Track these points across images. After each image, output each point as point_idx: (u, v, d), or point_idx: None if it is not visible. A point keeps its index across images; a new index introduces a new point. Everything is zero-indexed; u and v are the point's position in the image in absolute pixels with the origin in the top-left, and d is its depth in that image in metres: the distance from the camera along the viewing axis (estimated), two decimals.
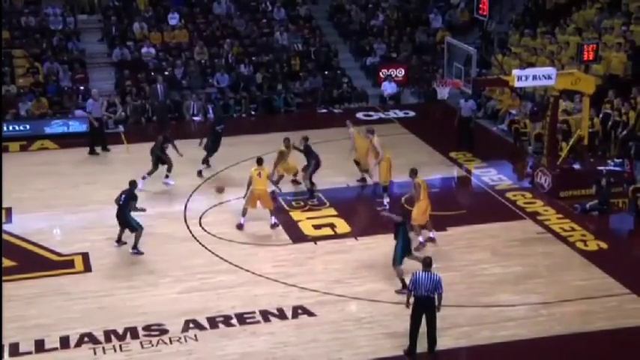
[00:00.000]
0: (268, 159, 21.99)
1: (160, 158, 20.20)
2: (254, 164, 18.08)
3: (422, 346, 13.11)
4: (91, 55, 29.22)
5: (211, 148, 21.17)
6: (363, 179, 20.58)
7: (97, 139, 23.12)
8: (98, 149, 23.05)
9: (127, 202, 16.46)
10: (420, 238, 16.73)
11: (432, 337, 13.03)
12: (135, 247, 16.53)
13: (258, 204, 17.75)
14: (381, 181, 19.11)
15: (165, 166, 20.21)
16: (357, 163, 20.61)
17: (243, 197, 17.95)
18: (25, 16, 29.47)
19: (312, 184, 19.69)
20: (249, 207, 17.77)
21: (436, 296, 12.86)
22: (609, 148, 21.71)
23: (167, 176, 20.27)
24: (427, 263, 12.96)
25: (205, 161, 21.14)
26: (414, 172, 16.97)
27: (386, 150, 19.26)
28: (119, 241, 16.91)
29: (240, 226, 17.75)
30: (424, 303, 12.84)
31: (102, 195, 19.58)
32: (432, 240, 17.00)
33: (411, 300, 13.06)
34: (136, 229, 16.51)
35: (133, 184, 16.84)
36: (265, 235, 17.62)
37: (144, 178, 19.66)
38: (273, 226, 17.81)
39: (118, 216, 16.65)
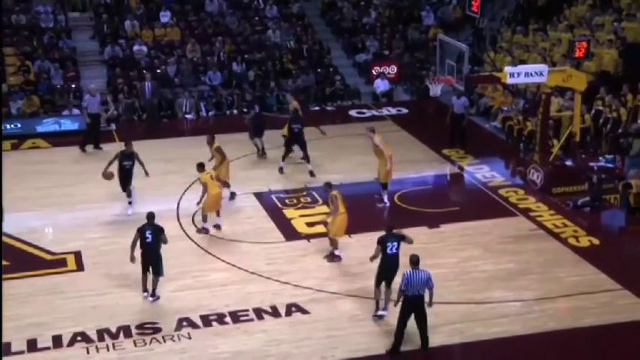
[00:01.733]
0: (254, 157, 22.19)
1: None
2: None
3: (415, 344, 13.14)
4: (82, 53, 29.13)
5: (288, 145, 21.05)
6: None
7: (91, 137, 23.02)
8: (89, 147, 22.92)
9: (157, 238, 14.51)
10: (337, 252, 16.15)
11: (425, 334, 13.04)
12: (154, 292, 14.79)
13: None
14: (381, 178, 19.03)
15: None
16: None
17: (197, 204, 17.45)
18: (15, 14, 29.32)
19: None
20: (210, 212, 17.43)
21: (427, 292, 12.87)
22: (601, 145, 21.77)
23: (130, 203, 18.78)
24: (415, 261, 12.91)
25: (284, 157, 21.04)
26: (328, 186, 16.34)
27: (387, 146, 19.11)
28: (151, 293, 14.79)
29: (205, 230, 17.37)
30: (415, 302, 12.84)
31: (94, 194, 19.57)
32: (337, 258, 16.23)
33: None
34: (161, 272, 14.71)
35: (152, 216, 14.79)
36: (258, 232, 17.61)
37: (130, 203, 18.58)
38: (218, 226, 17.55)
39: (146, 256, 14.50)
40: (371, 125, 20.23)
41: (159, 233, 14.54)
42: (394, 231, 14.23)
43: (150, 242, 14.42)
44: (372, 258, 14.09)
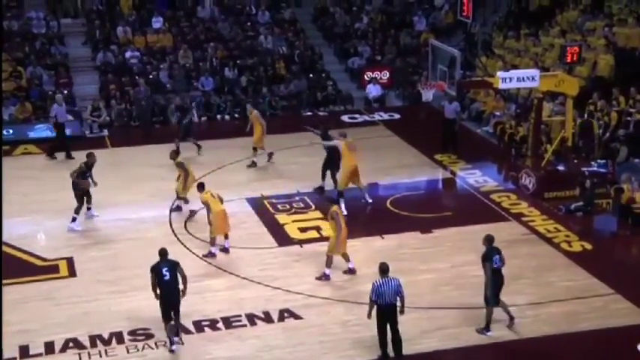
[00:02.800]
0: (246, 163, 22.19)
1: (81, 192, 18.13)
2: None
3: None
4: (74, 59, 29.11)
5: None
6: (254, 163, 21.68)
7: (60, 145, 22.76)
8: (59, 155, 22.63)
9: (174, 274, 13.20)
10: (326, 271, 15.58)
11: (398, 340, 12.94)
12: (178, 333, 13.64)
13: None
14: (339, 184, 18.96)
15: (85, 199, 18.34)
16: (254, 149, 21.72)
17: (209, 224, 16.81)
18: (7, 19, 29.26)
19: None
20: (219, 234, 16.69)
21: (398, 300, 12.83)
22: (593, 150, 21.80)
23: (89, 208, 18.54)
24: (384, 270, 12.84)
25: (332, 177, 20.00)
26: (329, 200, 15.98)
27: (354, 156, 18.96)
28: (178, 335, 13.56)
29: (212, 255, 16.58)
30: (388, 310, 12.78)
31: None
32: (352, 272, 15.79)
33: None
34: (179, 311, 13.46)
35: (165, 252, 13.48)
36: (251, 238, 17.58)
37: (74, 220, 18.02)
38: (226, 250, 16.77)
39: (167, 296, 13.15)
40: (342, 131, 20.01)
41: (175, 268, 13.24)
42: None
43: (168, 280, 13.08)
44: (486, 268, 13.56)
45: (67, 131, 24.30)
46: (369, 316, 12.96)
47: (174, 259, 13.56)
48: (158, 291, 13.27)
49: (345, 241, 15.68)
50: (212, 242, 16.69)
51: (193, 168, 19.21)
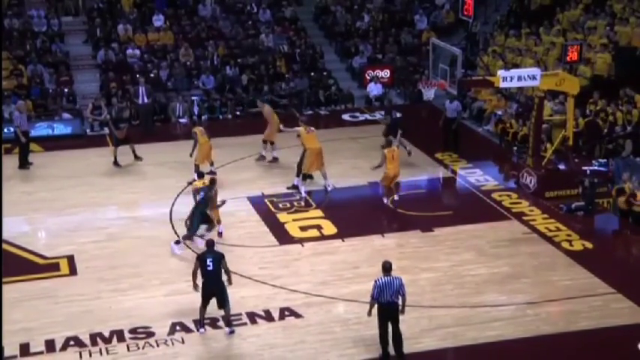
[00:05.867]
0: (252, 160, 22.19)
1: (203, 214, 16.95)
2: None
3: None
4: (75, 57, 29.10)
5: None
6: (263, 157, 22.08)
7: (26, 153, 22.47)
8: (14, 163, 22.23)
9: (218, 266, 13.68)
10: (384, 200, 18.97)
11: (399, 339, 12.93)
12: (230, 324, 13.88)
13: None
14: (304, 168, 19.78)
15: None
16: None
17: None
18: (8, 17, 29.26)
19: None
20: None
21: (400, 299, 12.81)
22: (594, 149, 21.80)
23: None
24: (387, 268, 12.83)
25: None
26: (387, 143, 19.42)
27: (314, 139, 19.87)
28: (226, 324, 13.94)
29: (219, 234, 17.25)
30: (389, 308, 12.78)
31: (87, 198, 19.55)
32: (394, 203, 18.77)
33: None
34: (227, 304, 13.86)
35: (212, 243, 14.06)
36: (251, 237, 17.59)
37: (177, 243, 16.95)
38: (219, 234, 17.27)
39: (208, 285, 13.67)
40: (303, 117, 20.93)
41: (220, 260, 13.73)
42: None
43: (212, 270, 13.60)
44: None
45: (69, 129, 24.42)
46: (370, 314, 12.98)
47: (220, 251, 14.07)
48: (198, 280, 13.76)
49: (390, 178, 18.99)
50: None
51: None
